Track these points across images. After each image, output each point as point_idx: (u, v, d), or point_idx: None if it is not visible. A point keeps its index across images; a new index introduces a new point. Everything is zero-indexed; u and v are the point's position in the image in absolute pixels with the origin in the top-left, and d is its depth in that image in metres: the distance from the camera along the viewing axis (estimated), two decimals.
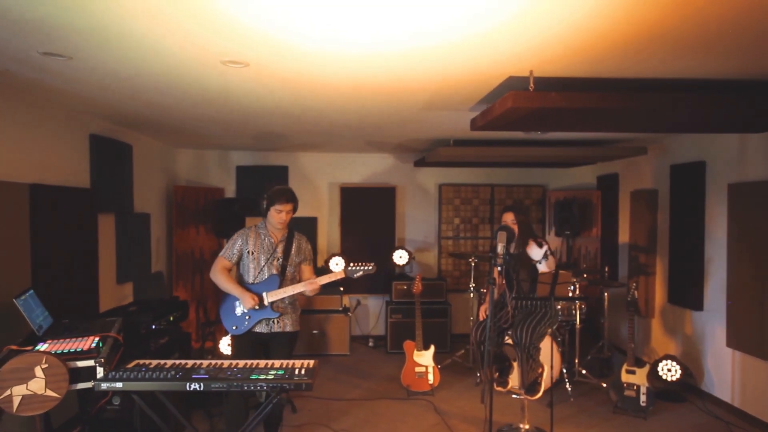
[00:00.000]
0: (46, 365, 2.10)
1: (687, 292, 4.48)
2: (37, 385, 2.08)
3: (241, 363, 2.43)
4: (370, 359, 5.41)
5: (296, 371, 2.28)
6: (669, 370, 4.25)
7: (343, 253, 6.03)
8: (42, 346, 2.32)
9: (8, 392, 2.04)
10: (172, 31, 1.97)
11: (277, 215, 3.01)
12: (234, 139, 5.02)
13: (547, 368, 3.52)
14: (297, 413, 3.93)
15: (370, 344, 5.91)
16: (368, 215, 6.09)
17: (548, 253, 3.39)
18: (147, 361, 2.43)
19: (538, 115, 2.55)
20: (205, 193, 5.73)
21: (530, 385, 3.37)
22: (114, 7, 1.76)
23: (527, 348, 3.16)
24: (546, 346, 4.27)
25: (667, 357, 4.35)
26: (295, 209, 3.08)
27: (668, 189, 4.72)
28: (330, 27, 1.92)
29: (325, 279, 3.04)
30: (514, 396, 3.78)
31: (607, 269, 5.11)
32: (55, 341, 2.43)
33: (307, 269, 3.18)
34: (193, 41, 2.09)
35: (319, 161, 6.14)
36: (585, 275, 4.83)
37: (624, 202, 5.47)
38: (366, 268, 3.12)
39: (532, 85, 2.40)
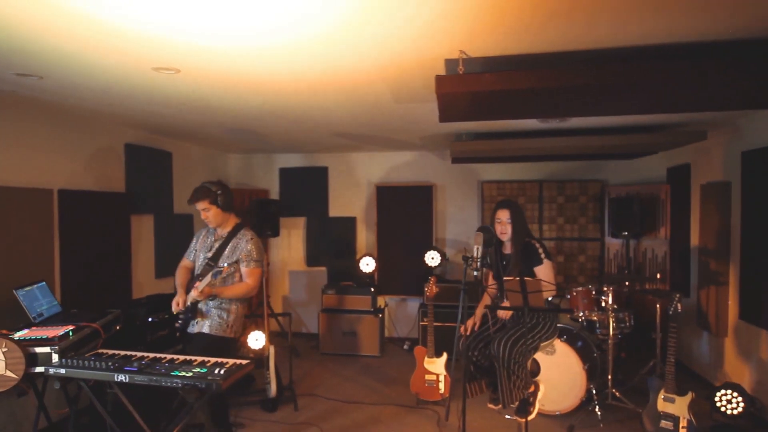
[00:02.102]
0: (6, 349, 2.37)
1: (762, 307, 3.64)
2: None
3: (181, 358, 2.51)
4: (398, 363, 5.27)
5: (216, 370, 2.29)
6: (729, 402, 3.50)
7: (379, 254, 5.98)
8: (20, 332, 2.63)
9: None
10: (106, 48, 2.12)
11: (202, 214, 2.94)
12: (260, 142, 5.23)
13: (543, 387, 3.10)
14: (297, 411, 3.97)
15: (406, 347, 5.75)
16: (405, 215, 5.94)
17: (543, 257, 2.98)
18: (108, 351, 2.63)
19: (481, 100, 2.26)
20: (249, 194, 6.07)
21: (520, 405, 2.99)
22: (62, 33, 1.96)
23: (506, 363, 2.81)
24: (570, 361, 3.80)
25: (728, 385, 3.58)
26: (215, 204, 2.86)
27: (739, 180, 3.88)
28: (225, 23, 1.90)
29: (201, 285, 2.76)
30: (506, 417, 3.40)
31: (658, 275, 4.37)
32: (37, 328, 2.75)
33: (244, 271, 2.92)
34: (125, 53, 2.24)
35: (358, 161, 6.15)
36: (627, 282, 4.17)
37: (696, 197, 4.63)
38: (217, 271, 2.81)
39: (461, 66, 2.13)
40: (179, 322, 2.92)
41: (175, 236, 5.05)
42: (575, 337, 4.12)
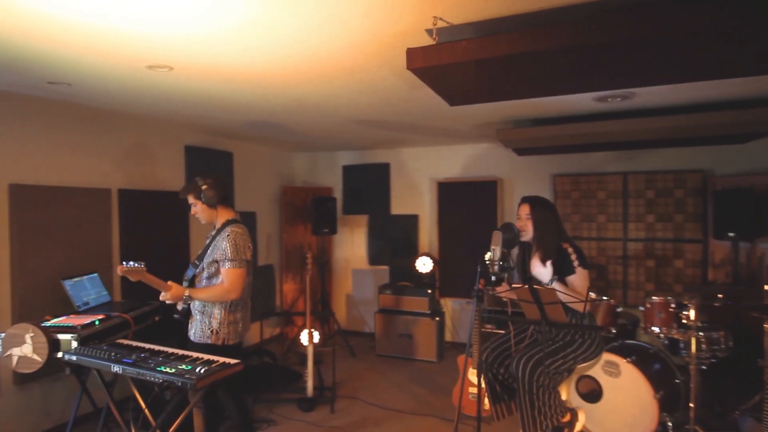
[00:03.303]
0: (33, 334, 2.59)
1: None
2: (27, 349, 2.59)
3: (180, 353, 2.52)
4: (455, 370, 4.90)
5: (198, 369, 2.25)
6: None
7: (440, 254, 5.67)
8: (57, 319, 2.88)
9: (9, 352, 2.60)
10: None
11: (191, 210, 2.80)
12: (309, 139, 5.23)
13: (583, 417, 2.59)
14: (333, 414, 3.86)
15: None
16: (468, 212, 5.54)
17: (576, 265, 2.48)
18: (126, 342, 2.75)
19: (471, 74, 1.92)
20: (313, 192, 6.14)
21: None
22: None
23: (527, 386, 2.38)
24: (637, 387, 3.17)
25: None
26: (199, 199, 2.71)
27: None
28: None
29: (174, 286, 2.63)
30: None
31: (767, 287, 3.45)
32: (75, 316, 2.99)
33: (221, 271, 2.64)
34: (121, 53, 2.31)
35: (419, 156, 5.89)
36: (720, 294, 3.38)
37: None
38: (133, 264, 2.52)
39: (435, 36, 1.82)
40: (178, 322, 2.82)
41: None
42: (651, 358, 3.44)
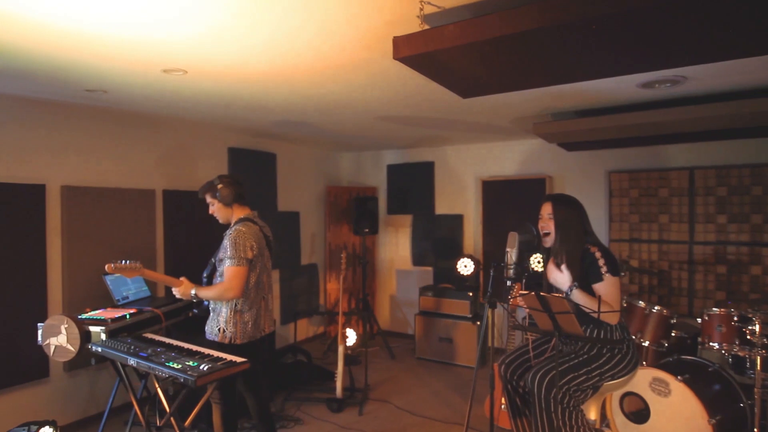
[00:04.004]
0: (67, 325, 2.76)
1: None
2: (62, 339, 2.77)
3: (195, 349, 2.57)
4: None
5: (202, 366, 2.28)
6: None
7: (485, 256, 5.42)
8: (95, 311, 3.06)
9: (48, 341, 2.79)
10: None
11: (209, 209, 2.84)
12: (343, 137, 5.20)
13: None
14: (361, 416, 3.80)
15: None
16: (514, 212, 5.24)
17: (604, 272, 2.21)
18: (152, 337, 2.87)
19: (459, 62, 1.77)
20: (357, 192, 6.13)
21: None
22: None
23: (543, 404, 2.16)
24: (689, 410, 2.80)
25: None
26: (215, 198, 2.75)
27: None
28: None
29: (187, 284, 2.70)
30: None
31: None
32: (112, 309, 3.16)
33: (224, 269, 2.61)
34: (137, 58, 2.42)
35: (464, 153, 5.68)
36: None
37: None
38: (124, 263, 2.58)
39: (422, 21, 1.70)
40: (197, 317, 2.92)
41: (278, 232, 5.38)
42: (710, 378, 3.04)
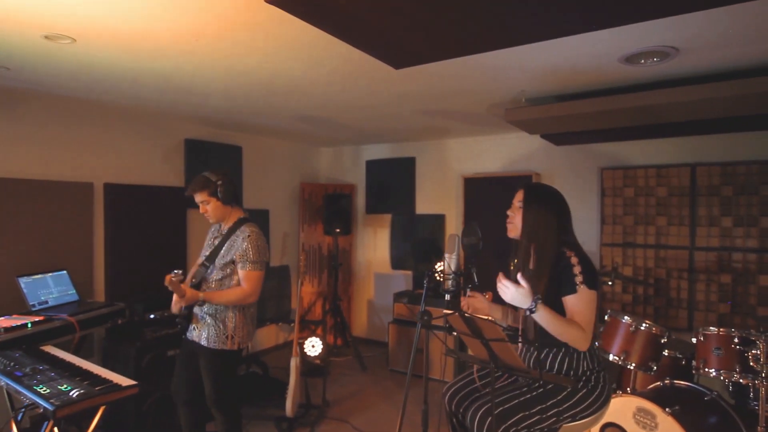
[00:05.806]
0: None
1: None
2: None
3: (85, 368, 2.19)
4: None
5: (72, 393, 1.88)
6: None
7: (465, 260, 4.96)
8: None
9: None
10: None
11: (200, 208, 2.60)
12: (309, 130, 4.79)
13: None
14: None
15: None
16: (498, 212, 4.77)
17: (579, 282, 1.76)
18: (52, 350, 2.51)
19: (366, 17, 1.35)
20: (333, 188, 5.72)
21: None
22: None
23: None
24: None
25: None
26: (214, 196, 2.52)
27: None
28: None
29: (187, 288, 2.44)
30: None
31: None
32: (18, 316, 2.79)
33: (240, 274, 2.50)
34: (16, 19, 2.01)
35: (448, 149, 5.24)
36: None
37: None
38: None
39: None
40: (177, 326, 2.63)
41: None
42: (706, 409, 2.57)
